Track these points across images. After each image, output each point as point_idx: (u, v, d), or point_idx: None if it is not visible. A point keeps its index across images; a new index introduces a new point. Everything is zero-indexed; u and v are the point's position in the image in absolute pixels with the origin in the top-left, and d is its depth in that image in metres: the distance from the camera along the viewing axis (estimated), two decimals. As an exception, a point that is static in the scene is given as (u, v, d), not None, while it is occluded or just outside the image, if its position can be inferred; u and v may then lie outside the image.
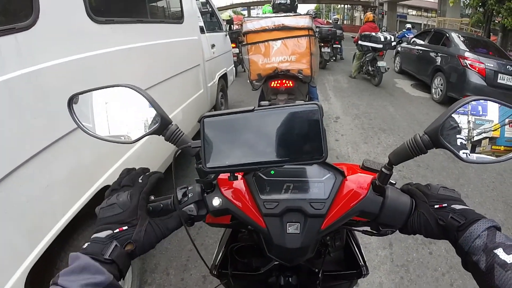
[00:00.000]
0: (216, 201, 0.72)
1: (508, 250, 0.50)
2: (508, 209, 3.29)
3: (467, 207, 0.63)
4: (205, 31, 4.12)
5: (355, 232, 1.05)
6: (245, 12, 54.93)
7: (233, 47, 6.97)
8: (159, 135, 0.68)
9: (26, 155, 1.29)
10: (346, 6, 55.35)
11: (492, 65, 6.35)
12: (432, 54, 7.86)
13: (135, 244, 0.61)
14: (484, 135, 0.61)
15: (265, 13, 5.61)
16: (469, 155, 0.61)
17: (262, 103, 3.33)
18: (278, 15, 3.59)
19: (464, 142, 0.61)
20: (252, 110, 0.59)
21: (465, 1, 12.09)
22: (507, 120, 0.60)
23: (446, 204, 0.63)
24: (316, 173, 0.73)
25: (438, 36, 8.24)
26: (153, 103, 0.67)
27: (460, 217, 0.60)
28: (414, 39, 9.79)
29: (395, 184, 0.75)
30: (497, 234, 0.55)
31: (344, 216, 0.70)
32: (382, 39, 7.91)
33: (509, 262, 0.48)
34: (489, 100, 0.61)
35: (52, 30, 1.47)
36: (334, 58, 11.71)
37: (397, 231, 0.73)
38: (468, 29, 16.20)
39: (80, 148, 1.64)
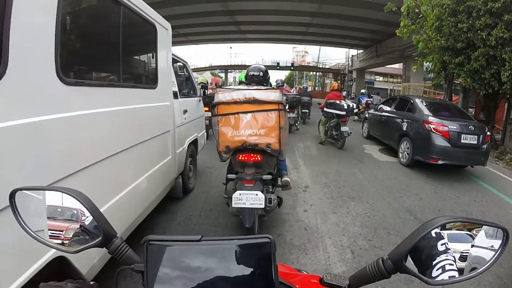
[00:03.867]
0: None
1: None
2: None
3: None
4: (179, 96, 4.09)
5: None
6: (223, 75, 57.64)
7: (206, 110, 6.86)
8: (102, 248, 0.66)
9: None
10: (317, 73, 58.57)
11: (455, 127, 6.77)
12: (398, 120, 8.26)
13: None
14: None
15: (241, 80, 5.71)
16: (436, 278, 0.60)
17: (229, 176, 3.45)
18: (250, 87, 3.52)
19: (432, 266, 0.60)
20: (199, 240, 0.59)
21: (428, 67, 12.94)
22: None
23: None
24: None
25: (403, 102, 8.71)
26: (95, 215, 0.65)
27: None
28: (381, 105, 10.22)
29: None
30: None
31: None
32: (345, 107, 8.70)
33: None
34: (454, 221, 0.61)
35: (19, 87, 1.39)
36: (298, 122, 12.23)
37: None
38: (431, 92, 17.22)
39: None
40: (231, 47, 62.36)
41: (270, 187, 3.66)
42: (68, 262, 1.83)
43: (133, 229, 2.80)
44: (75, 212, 0.68)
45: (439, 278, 0.60)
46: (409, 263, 0.59)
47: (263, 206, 3.18)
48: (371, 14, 22.48)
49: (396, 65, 40.86)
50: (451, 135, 6.71)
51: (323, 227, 4.15)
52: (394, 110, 8.93)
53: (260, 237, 0.58)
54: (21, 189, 0.68)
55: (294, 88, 33.39)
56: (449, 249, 0.60)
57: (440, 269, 0.59)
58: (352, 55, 41.43)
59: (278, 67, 44.76)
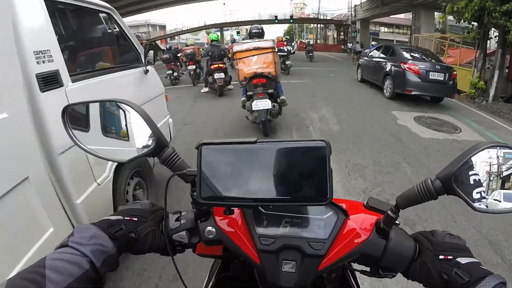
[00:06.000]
0: (209, 231, 0.70)
1: None
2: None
3: (473, 260, 0.60)
4: (68, 78, 1.88)
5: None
6: (218, 33, 54.14)
7: (191, 64, 11.34)
8: (154, 157, 0.72)
9: None
10: (319, 25, 54.76)
11: (424, 66, 8.51)
12: (383, 63, 9.94)
13: (137, 235, 0.64)
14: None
15: (212, 39, 9.78)
16: (481, 204, 0.60)
17: (248, 93, 5.50)
18: (254, 40, 5.71)
19: (479, 190, 0.59)
20: (255, 142, 0.59)
21: (457, 16, 10.32)
22: None
23: (451, 256, 0.60)
24: (317, 210, 0.71)
25: (387, 49, 10.55)
26: (149, 123, 0.66)
27: (465, 273, 0.57)
28: (371, 53, 11.90)
29: (399, 224, 0.71)
30: None
31: (343, 257, 0.68)
32: (286, 50, 13.81)
33: None
34: (503, 145, 0.59)
35: None
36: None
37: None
38: (460, 46, 13.75)
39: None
40: (224, 4, 57.90)
41: (274, 104, 5.51)
42: None
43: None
44: (126, 121, 0.68)
45: (482, 207, 0.59)
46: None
47: (270, 107, 5.29)
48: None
49: (402, 15, 39.43)
50: (421, 72, 8.39)
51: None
52: (381, 55, 10.58)
53: (315, 140, 0.58)
54: (72, 105, 0.71)
55: (295, 42, 30.83)
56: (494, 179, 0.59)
57: (481, 203, 0.59)
58: (355, 5, 37.60)
59: (276, 21, 40.96)
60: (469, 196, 0.58)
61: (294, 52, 15.37)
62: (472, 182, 0.58)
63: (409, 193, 0.62)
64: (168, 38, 51.26)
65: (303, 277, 0.65)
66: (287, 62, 14.21)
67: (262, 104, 5.25)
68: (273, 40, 5.78)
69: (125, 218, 0.64)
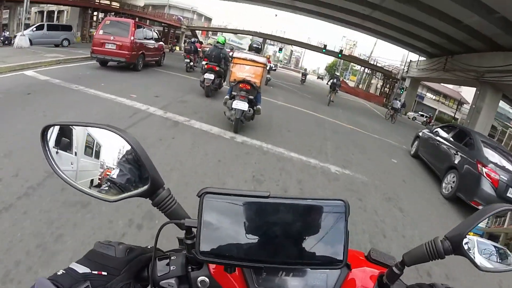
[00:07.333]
0: (203, 281, 0.63)
1: None
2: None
3: None
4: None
5: None
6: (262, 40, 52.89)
7: (205, 60, 11.24)
8: (146, 198, 0.60)
9: None
10: (365, 69, 52.00)
11: (506, 178, 6.25)
12: (452, 151, 7.84)
13: None
14: None
15: (218, 41, 10.42)
16: (488, 263, 0.61)
17: (233, 93, 6.63)
18: (252, 53, 6.89)
19: (488, 251, 0.61)
20: (267, 197, 0.53)
21: None
22: None
23: None
24: None
25: (461, 134, 8.34)
26: (144, 158, 0.57)
27: None
28: (437, 129, 9.81)
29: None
30: None
31: None
32: (268, 66, 12.48)
33: None
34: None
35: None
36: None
37: None
38: None
39: None
40: (276, 15, 55.34)
41: (251, 108, 6.72)
42: None
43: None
44: (117, 153, 0.59)
45: (487, 266, 0.61)
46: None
47: (246, 109, 6.42)
48: (459, 14, 16.77)
49: (451, 86, 36.63)
50: (500, 185, 6.20)
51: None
52: (451, 138, 8.51)
53: (333, 199, 0.54)
54: (54, 125, 0.62)
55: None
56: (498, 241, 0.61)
57: (486, 260, 0.60)
58: (411, 60, 34.50)
59: (324, 50, 38.41)
60: (476, 257, 0.58)
61: (275, 70, 23.64)
62: (480, 244, 0.59)
63: (417, 251, 0.60)
64: (210, 32, 49.49)
65: None
66: (267, 76, 17.47)
67: (241, 105, 6.39)
68: (267, 58, 9.40)
69: (93, 272, 0.54)
